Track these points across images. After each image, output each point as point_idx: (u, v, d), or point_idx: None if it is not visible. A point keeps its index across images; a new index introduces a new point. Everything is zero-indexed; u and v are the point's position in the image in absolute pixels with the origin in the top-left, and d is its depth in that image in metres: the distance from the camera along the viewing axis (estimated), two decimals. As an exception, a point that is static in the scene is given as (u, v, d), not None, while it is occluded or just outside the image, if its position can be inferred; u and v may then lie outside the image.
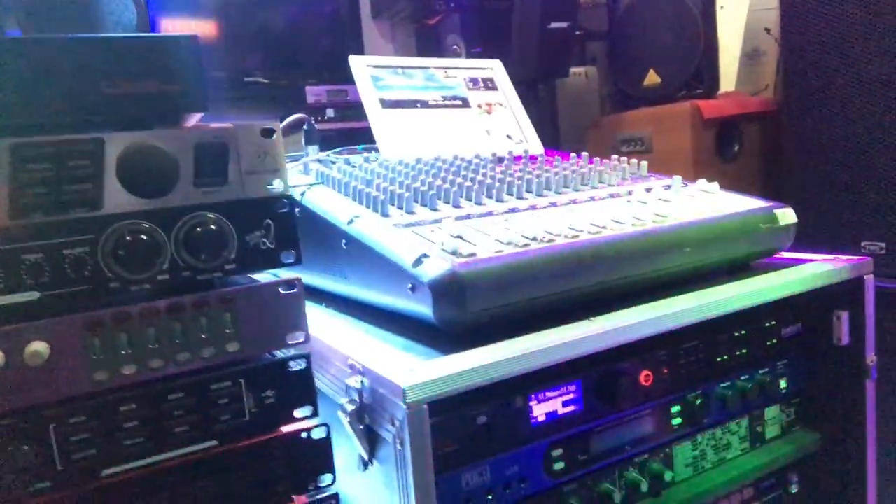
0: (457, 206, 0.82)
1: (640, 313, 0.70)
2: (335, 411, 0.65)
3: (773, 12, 1.71)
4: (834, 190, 1.41)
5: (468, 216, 0.78)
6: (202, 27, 1.64)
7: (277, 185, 0.61)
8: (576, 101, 2.09)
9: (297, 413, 0.62)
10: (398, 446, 0.58)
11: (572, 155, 1.07)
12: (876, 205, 1.35)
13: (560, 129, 2.02)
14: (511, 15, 1.68)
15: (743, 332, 0.85)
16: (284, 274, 0.63)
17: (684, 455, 0.82)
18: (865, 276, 0.85)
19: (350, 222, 0.76)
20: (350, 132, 1.50)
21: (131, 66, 0.55)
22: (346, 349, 0.67)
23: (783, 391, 0.90)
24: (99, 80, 0.54)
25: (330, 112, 1.57)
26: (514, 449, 0.69)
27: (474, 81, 1.17)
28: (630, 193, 0.91)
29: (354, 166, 0.95)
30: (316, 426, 0.62)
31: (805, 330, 0.91)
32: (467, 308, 0.63)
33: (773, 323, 0.88)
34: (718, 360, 0.83)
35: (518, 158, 1.04)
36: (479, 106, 1.15)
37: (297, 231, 0.62)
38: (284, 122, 1.10)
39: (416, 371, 0.58)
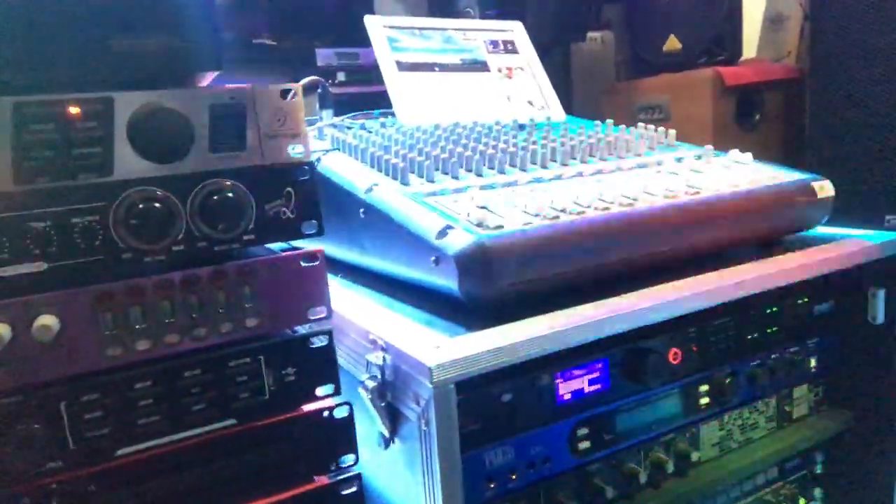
0: (479, 174, 0.78)
1: (669, 291, 0.67)
2: (353, 386, 0.63)
3: (800, -25, 1.64)
4: (857, 161, 1.37)
5: (491, 185, 0.75)
6: (208, -15, 1.58)
7: (298, 151, 0.58)
8: (591, 66, 2.03)
9: (319, 391, 0.60)
10: (423, 426, 0.56)
11: (596, 122, 1.03)
12: (901, 176, 1.31)
13: (573, 96, 1.96)
14: (527, -25, 1.61)
15: (774, 309, 0.82)
16: (305, 245, 0.60)
17: (711, 435, 0.80)
18: (905, 253, 0.82)
19: (368, 190, 0.73)
20: (361, 96, 1.45)
21: (141, 20, 0.51)
22: (366, 323, 0.65)
23: (813, 370, 0.88)
24: (107, 35, 0.50)
25: (341, 75, 1.51)
26: (539, 428, 0.67)
27: (494, 44, 1.12)
28: (659, 164, 0.87)
29: (371, 132, 0.91)
30: (338, 405, 0.60)
31: (837, 307, 0.88)
32: (494, 282, 0.60)
33: (805, 300, 0.85)
34: (748, 337, 0.81)
35: (540, 125, 1.00)
36: (500, 70, 1.11)
37: (319, 200, 0.59)
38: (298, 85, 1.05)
39: (443, 349, 0.56)
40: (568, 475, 0.69)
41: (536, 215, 0.66)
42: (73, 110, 0.50)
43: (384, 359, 0.60)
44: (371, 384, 0.61)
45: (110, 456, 0.52)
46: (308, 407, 0.60)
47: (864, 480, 0.90)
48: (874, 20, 1.30)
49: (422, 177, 0.76)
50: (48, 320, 0.49)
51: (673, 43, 1.72)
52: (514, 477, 0.65)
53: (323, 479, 0.60)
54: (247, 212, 0.55)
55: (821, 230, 0.87)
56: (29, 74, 0.49)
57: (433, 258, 0.62)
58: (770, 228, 0.80)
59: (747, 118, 1.66)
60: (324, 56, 1.56)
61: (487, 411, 0.63)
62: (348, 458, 0.61)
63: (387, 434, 0.62)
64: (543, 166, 0.83)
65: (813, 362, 0.87)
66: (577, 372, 0.68)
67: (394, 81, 1.00)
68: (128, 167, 0.52)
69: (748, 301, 0.74)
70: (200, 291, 0.54)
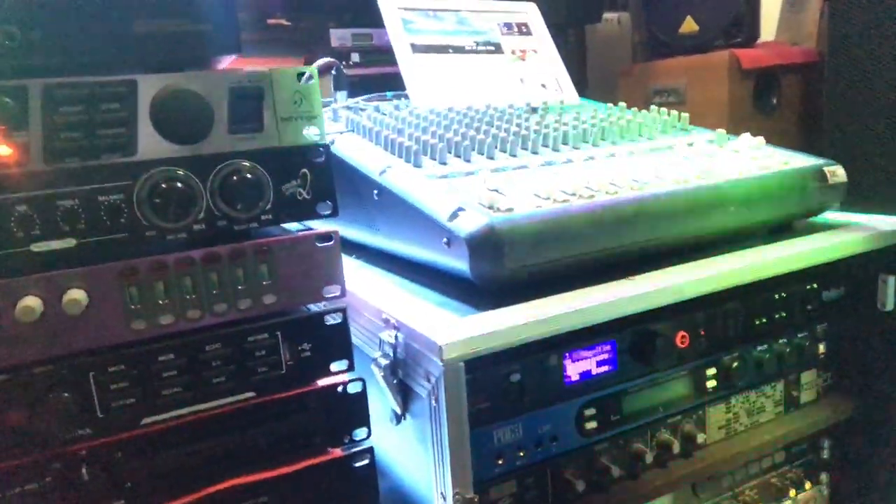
0: (491, 157, 0.79)
1: (678, 275, 0.68)
2: (366, 363, 0.64)
3: (822, -44, 1.61)
4: (874, 146, 1.35)
5: (503, 169, 0.76)
6: (223, -35, 1.58)
7: (314, 133, 0.59)
8: (606, 48, 2.01)
9: (333, 367, 0.61)
10: (433, 402, 0.57)
11: (609, 105, 1.03)
12: (919, 164, 1.29)
13: (588, 78, 1.95)
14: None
15: (783, 294, 0.83)
16: (320, 226, 0.62)
17: (717, 417, 0.81)
18: (917, 240, 0.82)
19: (382, 172, 0.74)
20: (375, 78, 1.45)
21: (163, 5, 0.52)
22: (379, 302, 0.66)
23: (821, 356, 0.88)
24: (131, 18, 0.51)
25: (355, 57, 1.51)
26: (547, 407, 0.68)
27: (508, 26, 1.12)
28: (671, 148, 0.87)
29: (385, 114, 0.92)
30: (352, 380, 0.62)
31: (847, 294, 0.88)
32: (504, 264, 0.61)
33: (814, 286, 0.85)
34: (757, 322, 0.81)
35: (553, 109, 1.00)
36: (513, 52, 1.11)
37: (334, 181, 0.60)
38: (314, 65, 1.06)
39: (453, 328, 0.57)
40: (575, 454, 0.70)
41: (547, 198, 0.67)
42: (98, 92, 0.51)
43: (396, 337, 0.62)
44: (383, 361, 0.62)
45: (136, 425, 0.54)
46: (323, 382, 0.61)
47: (871, 466, 0.91)
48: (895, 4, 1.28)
49: (434, 159, 0.77)
50: (77, 294, 0.51)
51: (690, 25, 1.70)
52: (521, 454, 0.67)
53: (337, 452, 0.62)
54: (265, 192, 0.57)
55: (832, 215, 0.87)
56: (57, 58, 0.50)
57: (445, 240, 0.63)
58: (780, 214, 0.80)
59: (765, 102, 1.64)
60: (338, 37, 1.56)
61: (496, 390, 0.64)
62: (361, 432, 0.63)
63: (398, 410, 0.64)
64: (555, 150, 0.83)
65: (821, 348, 0.88)
66: (585, 353, 0.69)
67: (407, 63, 1.01)
68: (151, 148, 0.53)
69: (756, 286, 0.74)
70: (220, 269, 0.55)
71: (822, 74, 1.48)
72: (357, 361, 0.65)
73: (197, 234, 0.55)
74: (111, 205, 0.52)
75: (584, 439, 0.71)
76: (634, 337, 0.72)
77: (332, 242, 0.60)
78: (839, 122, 1.42)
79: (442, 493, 0.58)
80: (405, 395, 0.63)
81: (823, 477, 0.93)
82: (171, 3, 0.53)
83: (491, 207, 0.63)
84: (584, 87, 1.89)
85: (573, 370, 0.69)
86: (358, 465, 0.62)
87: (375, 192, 0.74)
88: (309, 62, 1.05)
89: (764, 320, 0.82)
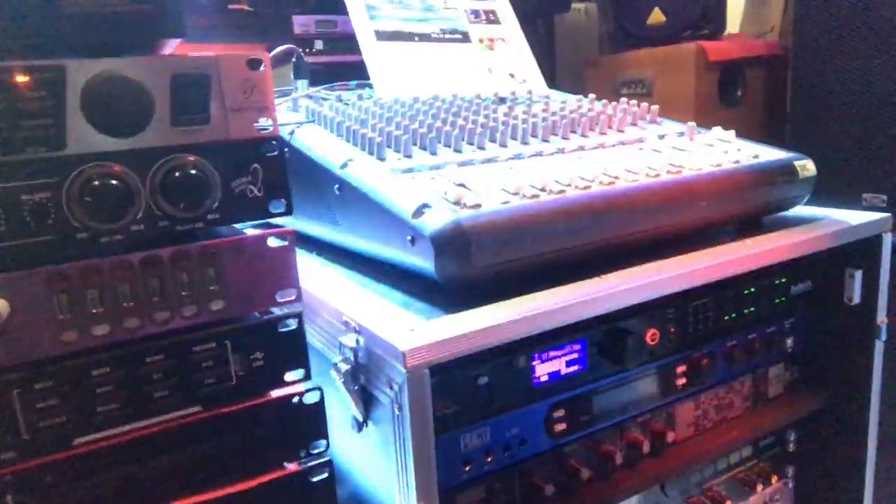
0: (458, 150, 0.76)
1: (647, 272, 0.66)
2: (326, 368, 0.61)
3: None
4: (836, 139, 1.36)
5: (470, 162, 0.73)
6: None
7: (266, 125, 0.55)
8: (574, 38, 2.00)
9: (289, 376, 0.58)
10: (396, 410, 0.54)
11: (578, 97, 1.01)
12: (881, 155, 1.31)
13: (557, 68, 1.93)
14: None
15: (752, 289, 0.82)
16: (274, 225, 0.58)
17: (687, 415, 0.80)
18: (884, 234, 0.81)
19: (344, 166, 0.70)
20: (340, 66, 1.40)
21: (94, -20, 0.48)
22: (340, 303, 0.63)
23: (789, 350, 0.88)
24: (57, -4, 0.47)
25: (318, 44, 1.46)
26: (515, 409, 0.66)
27: (476, 14, 1.09)
28: (642, 140, 0.85)
29: (347, 104, 0.88)
30: (308, 390, 0.58)
31: (815, 288, 0.88)
32: (472, 263, 0.58)
33: (782, 280, 0.85)
34: (726, 318, 0.80)
35: (521, 100, 0.97)
36: (481, 41, 1.07)
37: (288, 177, 0.56)
38: (272, 54, 1.01)
39: (417, 332, 0.54)
40: (544, 457, 0.69)
41: (516, 194, 0.64)
42: (22, 79, 0.46)
43: (357, 341, 0.59)
44: (344, 367, 0.59)
45: (67, 446, 0.50)
46: (277, 393, 0.58)
47: (837, 459, 0.92)
48: (857, -2, 1.29)
49: (399, 152, 0.73)
50: (-2, 303, 0.46)
51: (657, 16, 1.70)
52: (489, 459, 0.65)
53: (293, 466, 0.58)
54: (211, 189, 0.52)
55: (799, 210, 0.87)
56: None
57: (409, 237, 0.60)
58: (752, 208, 0.79)
59: (730, 94, 1.65)
60: (301, 23, 1.50)
61: (463, 394, 0.62)
62: (319, 444, 0.59)
63: (360, 417, 0.61)
64: (524, 142, 0.81)
65: (789, 342, 0.87)
66: (554, 353, 0.67)
67: (371, 51, 0.97)
68: (82, 141, 0.48)
69: (726, 282, 0.73)
70: (162, 273, 0.51)
71: (785, 67, 1.49)
72: (317, 365, 0.61)
73: (135, 235, 0.50)
74: (37, 204, 0.47)
75: (554, 441, 0.69)
76: (605, 335, 0.70)
77: (286, 243, 0.56)
78: (803, 114, 1.43)
79: (405, 505, 0.56)
80: (367, 401, 0.60)
81: (789, 470, 0.94)
82: (103, -20, 0.48)
83: (457, 203, 0.61)
84: (553, 77, 1.88)
85: (542, 371, 0.67)
86: (316, 479, 0.58)
87: (336, 186, 0.71)
88: (271, 49, 1.00)
89: (734, 315, 0.81)
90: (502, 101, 0.96)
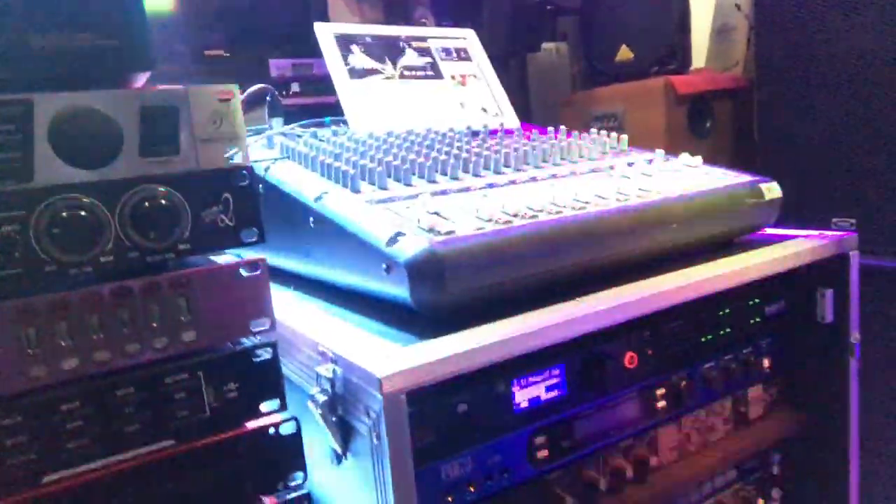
0: (432, 181, 0.77)
1: (623, 294, 0.67)
2: (304, 400, 0.60)
3: (745, -13, 1.69)
4: (804, 165, 1.40)
5: (444, 192, 0.74)
6: (158, -3, 1.54)
7: (236, 155, 0.55)
8: (547, 77, 2.05)
9: (264, 407, 0.57)
10: (374, 440, 0.54)
11: (549, 129, 1.03)
12: (847, 179, 1.34)
13: (531, 107, 1.98)
14: (481, -13, 1.62)
15: (728, 310, 0.83)
16: (247, 254, 0.57)
17: (668, 439, 0.80)
18: (850, 252, 0.83)
19: (318, 199, 0.71)
20: (317, 107, 1.42)
21: (63, 16, 0.48)
22: (316, 334, 0.63)
23: (767, 371, 0.88)
24: (26, 32, 0.47)
25: (295, 86, 1.49)
26: (497, 437, 0.65)
27: (447, 52, 1.12)
28: (612, 168, 0.87)
29: (322, 140, 0.89)
30: (284, 421, 0.57)
31: (788, 308, 0.89)
32: (446, 289, 0.59)
33: (756, 301, 0.86)
34: (703, 339, 0.81)
35: (494, 132, 0.99)
36: (453, 77, 1.10)
37: (259, 206, 0.57)
38: (246, 93, 1.03)
39: (393, 359, 0.54)
40: (527, 485, 0.68)
41: (489, 220, 0.65)
42: (-9, 114, 0.46)
43: (334, 371, 0.58)
44: (321, 398, 0.59)
45: (36, 483, 0.48)
46: (252, 424, 0.57)
47: (821, 479, 0.91)
48: (816, 31, 1.34)
49: (373, 184, 0.74)
50: (-38, 339, 0.45)
51: (625, 53, 1.75)
52: (471, 489, 0.63)
53: (271, 500, 0.57)
54: (181, 219, 0.52)
55: (770, 232, 0.89)
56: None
57: (384, 266, 0.61)
58: (720, 230, 0.81)
59: (699, 126, 1.69)
60: (278, 67, 1.54)
61: (442, 422, 0.61)
62: (297, 477, 0.58)
63: (339, 449, 0.60)
64: (497, 172, 0.82)
65: (766, 363, 0.88)
66: (533, 378, 0.67)
67: (345, 89, 0.99)
68: (50, 173, 0.48)
69: (700, 303, 0.74)
70: (132, 305, 0.51)
71: (751, 98, 1.54)
72: (294, 399, 0.60)
73: (105, 267, 0.50)
74: (4, 237, 0.46)
75: (537, 469, 0.68)
76: (583, 360, 0.70)
77: (258, 272, 0.56)
78: (770, 143, 1.48)
79: (386, 539, 0.54)
80: (346, 432, 0.59)
81: (775, 493, 0.93)
82: (73, 15, 0.48)
83: (431, 231, 0.61)
84: (528, 115, 1.92)
85: (522, 397, 0.66)
86: (294, 512, 0.57)
87: (311, 219, 0.71)
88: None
89: (710, 337, 0.82)
90: (475, 133, 0.98)
